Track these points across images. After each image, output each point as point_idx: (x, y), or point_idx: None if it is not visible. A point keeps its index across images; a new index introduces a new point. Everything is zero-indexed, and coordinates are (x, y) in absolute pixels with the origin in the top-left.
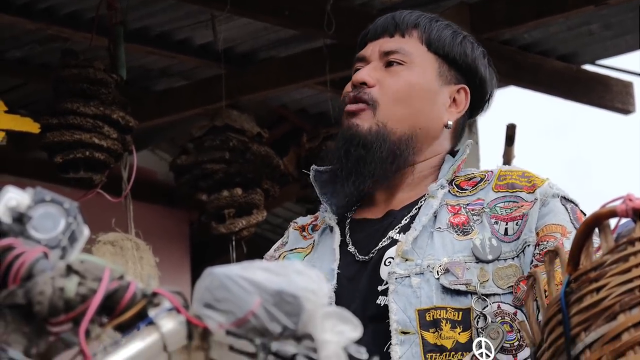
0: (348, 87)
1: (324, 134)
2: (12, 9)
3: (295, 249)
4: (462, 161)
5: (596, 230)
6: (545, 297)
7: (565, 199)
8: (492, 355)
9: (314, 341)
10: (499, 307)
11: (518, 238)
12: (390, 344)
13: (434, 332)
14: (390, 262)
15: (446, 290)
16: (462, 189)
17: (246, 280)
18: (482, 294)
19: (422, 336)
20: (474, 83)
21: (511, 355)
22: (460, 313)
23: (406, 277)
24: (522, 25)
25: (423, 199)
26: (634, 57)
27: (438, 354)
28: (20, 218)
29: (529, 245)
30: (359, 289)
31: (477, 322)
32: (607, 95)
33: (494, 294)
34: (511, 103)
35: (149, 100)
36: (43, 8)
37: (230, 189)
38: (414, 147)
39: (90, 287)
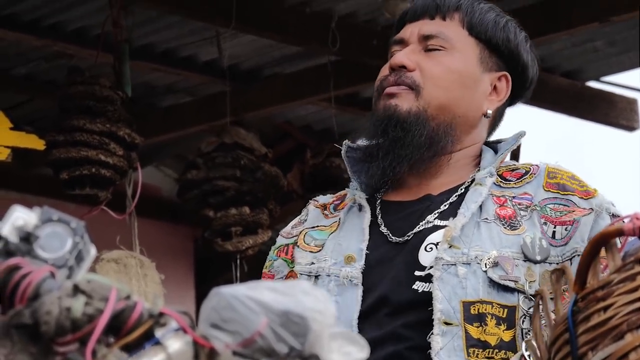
0: (384, 71)
1: (328, 150)
2: (18, 26)
3: (318, 226)
4: (510, 150)
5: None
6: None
7: (614, 216)
8: None
9: None
10: None
11: (566, 244)
12: (432, 333)
13: (478, 327)
14: (432, 247)
15: (493, 284)
16: (506, 179)
17: (253, 301)
18: (530, 294)
19: (465, 329)
20: (515, 70)
21: None
22: (506, 310)
23: (452, 265)
24: None
25: (462, 186)
26: (638, 73)
27: (481, 350)
28: (28, 237)
29: (578, 255)
30: (392, 272)
31: (523, 321)
32: (612, 112)
33: None
34: (516, 119)
35: (153, 117)
36: (49, 25)
37: (238, 207)
38: (452, 136)
39: (97, 307)
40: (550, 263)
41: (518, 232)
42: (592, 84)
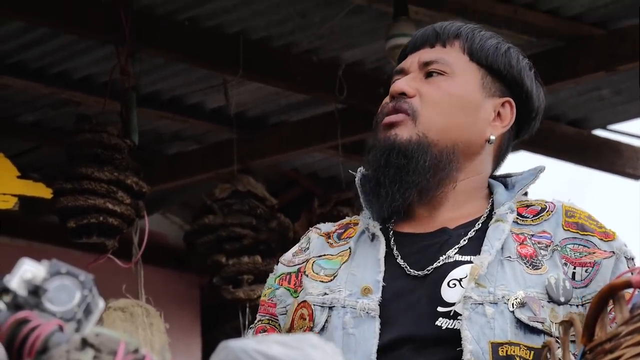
0: (386, 100)
1: (336, 199)
2: (26, 73)
3: (324, 255)
4: (529, 186)
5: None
6: None
7: (629, 259)
8: None
9: None
10: None
11: (586, 286)
12: None
13: None
14: (455, 284)
15: (521, 325)
16: (523, 216)
17: (262, 355)
18: (556, 336)
19: None
20: (519, 97)
21: None
22: (532, 352)
23: (480, 304)
24: None
25: (479, 221)
26: None
27: None
28: (36, 290)
29: None
30: (413, 306)
31: None
32: (618, 160)
33: None
34: (521, 168)
35: (160, 164)
36: (56, 72)
37: (251, 255)
38: (456, 162)
39: None
40: (571, 305)
41: (541, 271)
42: (598, 132)
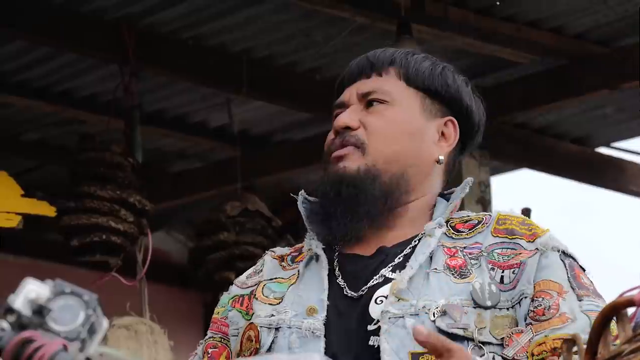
0: (330, 136)
1: None
2: (29, 92)
3: (276, 278)
4: (459, 200)
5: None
6: None
7: (565, 254)
8: None
9: None
10: (493, 358)
11: (514, 288)
12: None
13: None
14: (381, 300)
15: (442, 333)
16: (458, 231)
17: None
18: (480, 341)
19: None
20: (460, 113)
21: None
22: None
23: (400, 317)
24: (537, 108)
25: (417, 238)
26: None
27: None
28: (40, 310)
29: (525, 297)
30: (348, 328)
31: None
32: (621, 178)
33: (489, 343)
34: (525, 186)
35: (164, 182)
36: (60, 91)
37: None
38: (406, 186)
39: None
40: (500, 308)
41: (468, 279)
42: (602, 150)
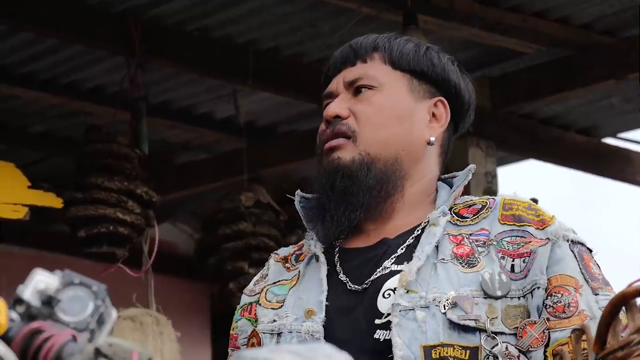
0: (321, 127)
1: None
2: (36, 84)
3: (279, 281)
4: (463, 187)
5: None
6: None
7: (574, 242)
8: None
9: None
10: (507, 347)
11: (525, 277)
12: None
13: None
14: (389, 294)
15: (454, 325)
16: (462, 217)
17: None
18: (492, 332)
19: None
20: (449, 93)
21: None
22: (468, 352)
23: (410, 310)
24: (543, 99)
25: (419, 227)
26: None
27: None
28: (49, 301)
29: (538, 288)
30: (354, 322)
31: None
32: (628, 168)
33: (502, 333)
34: (531, 176)
35: (170, 174)
36: (66, 83)
37: None
38: (400, 171)
39: None
40: (511, 298)
41: (476, 269)
42: (608, 140)
